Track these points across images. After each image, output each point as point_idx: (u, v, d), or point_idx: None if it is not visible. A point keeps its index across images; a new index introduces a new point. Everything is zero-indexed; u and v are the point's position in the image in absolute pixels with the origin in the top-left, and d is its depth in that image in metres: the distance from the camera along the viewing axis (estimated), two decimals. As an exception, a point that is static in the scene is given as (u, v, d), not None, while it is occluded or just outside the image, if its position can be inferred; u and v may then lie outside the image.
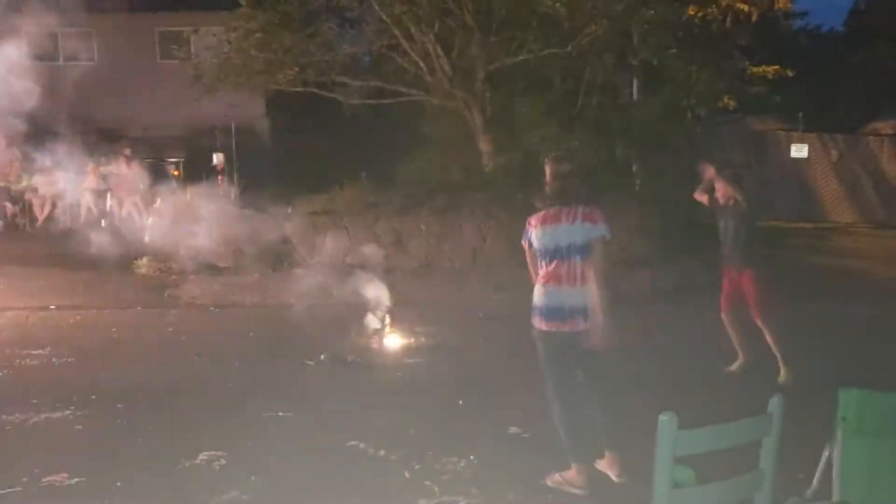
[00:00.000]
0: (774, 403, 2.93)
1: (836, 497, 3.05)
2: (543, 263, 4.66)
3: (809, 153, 19.59)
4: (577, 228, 4.58)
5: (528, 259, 4.83)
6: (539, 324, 4.68)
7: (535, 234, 4.70)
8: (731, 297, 7.03)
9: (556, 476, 4.72)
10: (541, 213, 4.71)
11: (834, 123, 21.47)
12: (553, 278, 4.61)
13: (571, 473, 4.67)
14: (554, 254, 4.61)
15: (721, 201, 6.94)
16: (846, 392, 3.03)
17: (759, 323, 6.92)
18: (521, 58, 14.40)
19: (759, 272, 6.88)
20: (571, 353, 4.68)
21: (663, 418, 2.70)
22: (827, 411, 3.13)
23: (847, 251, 15.57)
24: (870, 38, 28.33)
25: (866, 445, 3.05)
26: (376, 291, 8.57)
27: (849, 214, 20.16)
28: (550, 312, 4.62)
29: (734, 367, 7.10)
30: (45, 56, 23.22)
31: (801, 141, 19.66)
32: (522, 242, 4.81)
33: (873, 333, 8.49)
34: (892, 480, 3.07)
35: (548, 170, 4.79)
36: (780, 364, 6.83)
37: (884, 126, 21.05)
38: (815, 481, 3.17)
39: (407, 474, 4.85)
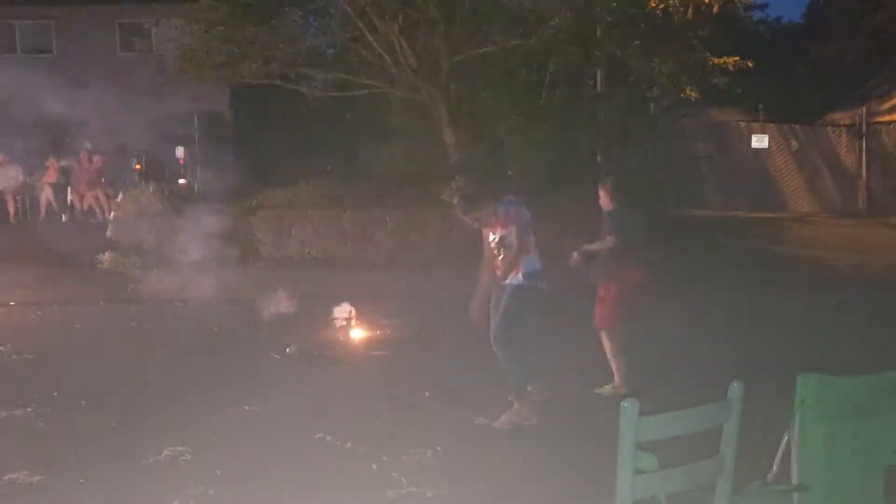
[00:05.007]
0: (734, 389, 2.98)
1: (795, 481, 3.10)
2: (533, 237, 5.48)
3: (770, 144, 19.80)
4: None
5: (519, 233, 5.44)
6: (543, 284, 5.47)
7: (528, 213, 5.53)
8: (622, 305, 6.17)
9: (504, 418, 5.37)
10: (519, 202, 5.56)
11: (794, 114, 21.72)
12: (535, 246, 5.52)
13: (518, 408, 5.35)
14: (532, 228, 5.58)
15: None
16: (805, 377, 3.08)
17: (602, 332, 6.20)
18: (485, 50, 14.43)
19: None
20: None
21: (625, 405, 2.73)
22: (789, 397, 3.18)
23: (807, 240, 15.79)
24: (828, 31, 28.73)
25: (824, 430, 3.10)
26: (341, 284, 8.56)
27: (808, 204, 20.43)
28: (544, 274, 5.52)
29: (604, 389, 6.17)
30: (2, 48, 22.89)
31: (762, 132, 19.86)
32: (519, 219, 5.47)
33: (831, 320, 8.63)
34: (849, 463, 3.13)
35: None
36: (616, 375, 6.15)
37: (842, 117, 21.32)
38: (774, 466, 3.22)
39: (374, 466, 4.85)
